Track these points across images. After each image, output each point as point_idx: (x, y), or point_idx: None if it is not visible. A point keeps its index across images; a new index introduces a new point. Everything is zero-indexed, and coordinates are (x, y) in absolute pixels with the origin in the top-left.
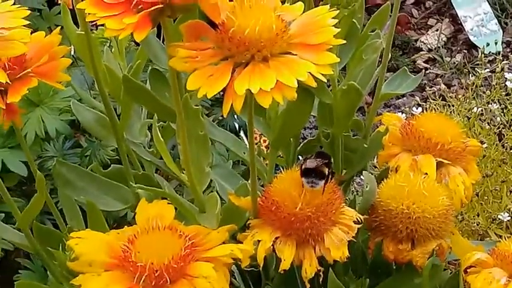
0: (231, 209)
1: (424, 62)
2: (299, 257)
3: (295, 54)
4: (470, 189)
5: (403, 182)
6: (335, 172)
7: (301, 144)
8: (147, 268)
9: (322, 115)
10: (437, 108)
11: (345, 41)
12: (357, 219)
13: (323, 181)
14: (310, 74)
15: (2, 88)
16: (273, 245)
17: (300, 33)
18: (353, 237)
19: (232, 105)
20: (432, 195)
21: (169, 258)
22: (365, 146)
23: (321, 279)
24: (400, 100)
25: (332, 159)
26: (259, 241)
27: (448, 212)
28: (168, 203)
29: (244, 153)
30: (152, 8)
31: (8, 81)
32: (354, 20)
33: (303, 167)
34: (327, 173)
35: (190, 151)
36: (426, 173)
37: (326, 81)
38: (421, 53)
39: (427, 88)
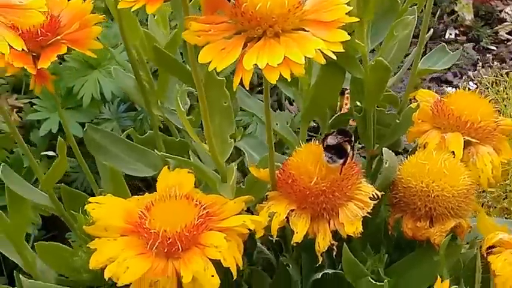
0: (253, 180)
1: (507, 33)
2: (313, 231)
3: (308, 31)
4: (499, 168)
5: (424, 160)
6: (354, 149)
7: (333, 117)
8: (160, 235)
9: (355, 89)
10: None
11: (358, 19)
12: (373, 195)
13: (342, 159)
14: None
15: (35, 54)
16: (287, 217)
17: (313, 10)
18: (374, 213)
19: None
20: (453, 174)
21: (182, 226)
22: (397, 121)
23: (334, 253)
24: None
25: (353, 137)
26: (274, 213)
27: (469, 191)
28: (189, 172)
29: (277, 124)
30: None
31: (24, 49)
32: None
33: (324, 143)
34: (348, 150)
35: (214, 122)
36: (453, 151)
37: (357, 55)
38: (505, 24)
39: (508, 60)
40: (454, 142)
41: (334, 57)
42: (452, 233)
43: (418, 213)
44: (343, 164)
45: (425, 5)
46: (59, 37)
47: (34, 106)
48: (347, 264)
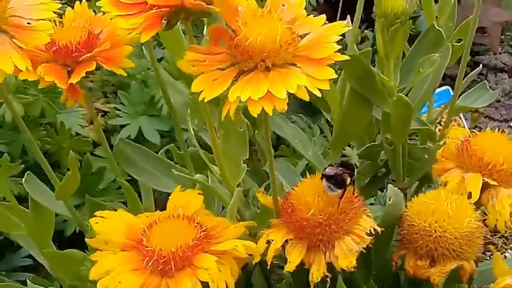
0: (265, 207)
1: None
2: (309, 261)
3: (299, 67)
4: None
5: (432, 199)
6: (355, 182)
7: (364, 148)
8: (156, 253)
9: (384, 122)
10: None
11: (348, 57)
12: (370, 230)
13: (341, 190)
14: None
15: (69, 69)
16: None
17: (307, 47)
18: (382, 248)
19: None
20: (458, 215)
21: (178, 246)
22: (426, 156)
23: (328, 286)
24: None
25: (354, 171)
26: (272, 240)
27: (473, 234)
28: (199, 194)
29: (309, 151)
30: (158, 10)
31: (29, 69)
32: (439, 28)
33: (323, 172)
34: (347, 182)
35: (229, 146)
36: (470, 192)
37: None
38: None
39: None
40: (473, 183)
41: (319, 94)
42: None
43: (420, 252)
44: (341, 196)
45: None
46: (90, 54)
47: (117, 112)
48: None
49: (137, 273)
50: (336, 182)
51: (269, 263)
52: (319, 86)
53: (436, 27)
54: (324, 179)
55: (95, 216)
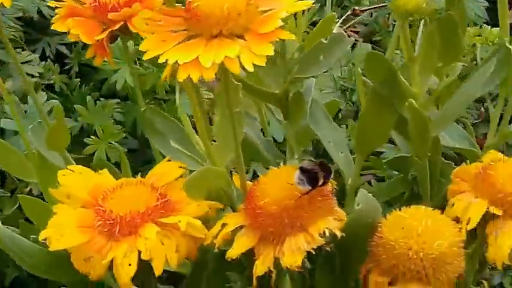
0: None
1: None
2: (259, 253)
3: (246, 40)
4: None
5: (408, 214)
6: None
7: (390, 158)
8: (106, 214)
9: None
10: None
11: (293, 36)
12: (323, 232)
13: (311, 187)
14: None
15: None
16: None
17: (260, 21)
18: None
19: None
20: (431, 235)
21: (127, 212)
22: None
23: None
24: None
25: (331, 174)
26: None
27: (444, 258)
28: (180, 166)
29: (342, 153)
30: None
31: None
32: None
33: (300, 165)
34: (320, 182)
35: (223, 125)
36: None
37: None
38: None
39: None
40: (475, 209)
41: (252, 69)
42: None
43: (383, 268)
44: (307, 193)
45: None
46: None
47: None
48: None
49: (84, 230)
50: (309, 177)
51: (216, 247)
52: (255, 61)
53: (508, 44)
54: (298, 171)
55: (66, 169)
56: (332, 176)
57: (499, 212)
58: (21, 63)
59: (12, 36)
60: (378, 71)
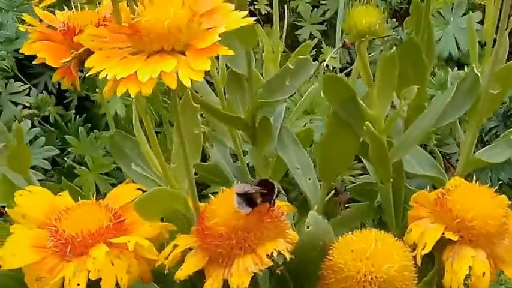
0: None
1: None
2: (209, 274)
3: (186, 56)
4: (484, 280)
5: (358, 237)
6: (273, 204)
7: (354, 184)
8: (58, 235)
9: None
10: None
11: (231, 52)
12: (271, 254)
13: (251, 208)
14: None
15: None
16: None
17: (201, 37)
18: None
19: None
20: (381, 259)
21: (79, 232)
22: None
23: None
24: None
25: (275, 190)
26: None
27: (391, 282)
28: (138, 188)
29: (309, 179)
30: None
31: None
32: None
33: (235, 190)
34: (258, 201)
35: (183, 147)
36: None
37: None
38: None
39: None
40: (431, 234)
41: (189, 85)
42: None
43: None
44: (249, 213)
45: None
46: None
47: None
48: None
49: (37, 250)
50: (246, 200)
51: (166, 268)
52: (192, 76)
53: (475, 71)
54: (235, 196)
55: (23, 189)
56: (276, 192)
57: (454, 238)
58: (11, 93)
59: (4, 67)
60: (337, 94)
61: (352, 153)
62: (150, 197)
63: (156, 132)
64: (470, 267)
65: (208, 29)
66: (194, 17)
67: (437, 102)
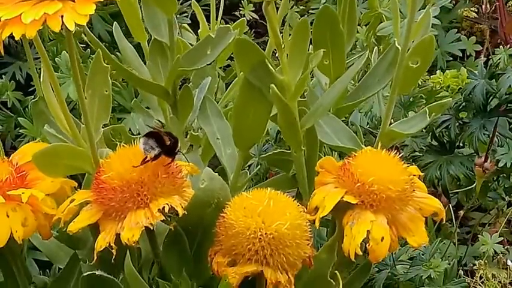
0: None
1: None
2: (103, 228)
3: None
4: (384, 245)
5: (252, 195)
6: (175, 154)
7: (266, 154)
8: None
9: None
10: None
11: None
12: (163, 209)
13: (157, 150)
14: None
15: None
16: None
17: None
18: None
19: None
20: (272, 216)
21: None
22: None
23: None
24: None
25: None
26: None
27: (283, 240)
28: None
29: (229, 150)
30: None
31: None
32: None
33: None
34: (167, 143)
35: (93, 107)
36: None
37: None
38: None
39: None
40: (331, 197)
41: (72, 28)
42: None
43: (224, 248)
44: (153, 159)
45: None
46: None
47: None
48: (129, 276)
49: None
50: (157, 140)
51: (62, 222)
52: (77, 20)
53: (397, 45)
54: (143, 138)
55: None
56: (178, 146)
57: (354, 201)
58: None
59: None
60: (247, 58)
61: (264, 120)
62: (49, 151)
63: None
64: (368, 232)
65: None
66: None
67: (351, 69)
